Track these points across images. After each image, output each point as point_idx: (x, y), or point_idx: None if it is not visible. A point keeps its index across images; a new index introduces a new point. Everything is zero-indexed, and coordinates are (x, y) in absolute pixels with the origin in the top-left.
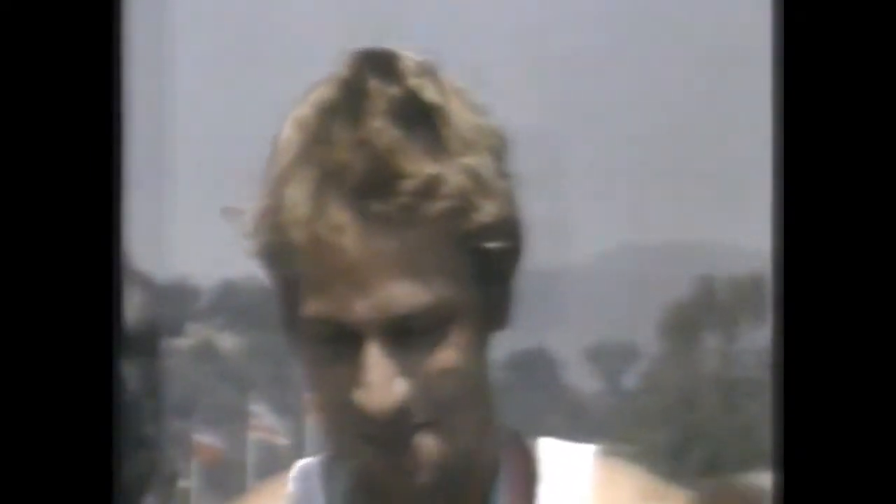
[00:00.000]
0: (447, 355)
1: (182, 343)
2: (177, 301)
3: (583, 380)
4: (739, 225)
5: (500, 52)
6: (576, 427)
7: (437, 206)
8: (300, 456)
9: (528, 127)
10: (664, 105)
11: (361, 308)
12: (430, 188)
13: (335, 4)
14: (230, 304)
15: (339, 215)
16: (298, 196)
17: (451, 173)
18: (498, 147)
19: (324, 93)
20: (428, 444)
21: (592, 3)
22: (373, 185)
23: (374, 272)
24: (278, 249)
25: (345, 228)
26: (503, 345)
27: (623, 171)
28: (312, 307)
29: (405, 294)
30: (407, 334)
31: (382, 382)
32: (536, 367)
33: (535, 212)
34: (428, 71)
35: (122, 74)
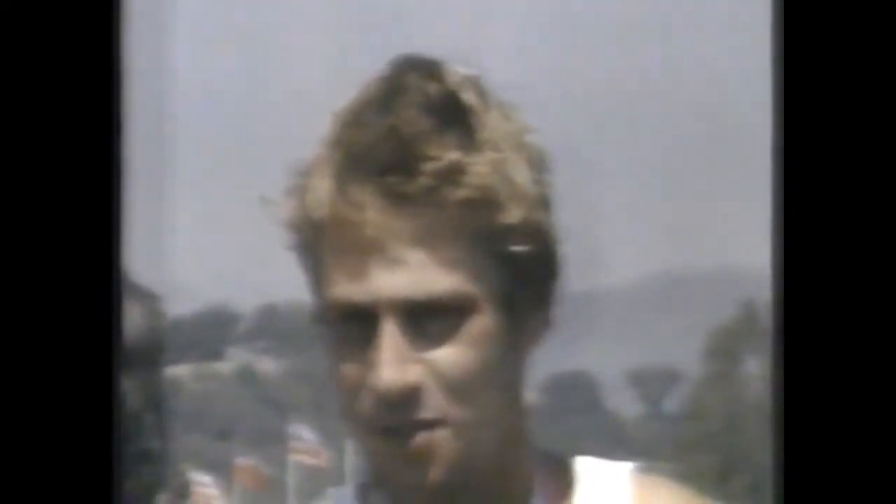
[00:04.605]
0: (462, 350)
1: (223, 367)
2: (218, 325)
3: (625, 404)
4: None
5: (532, 63)
6: (617, 451)
7: (459, 192)
8: (341, 478)
9: (568, 151)
10: (701, 123)
11: (378, 285)
12: (452, 173)
13: (338, 4)
14: (271, 328)
15: (360, 193)
16: (323, 175)
17: (476, 164)
18: (535, 161)
19: (364, 89)
20: (438, 440)
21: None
22: (396, 166)
23: (393, 250)
24: (305, 230)
25: (365, 205)
26: (543, 367)
27: (663, 195)
28: (334, 288)
29: (422, 276)
30: (423, 319)
31: (395, 361)
32: (578, 391)
33: (577, 234)
34: (471, 80)
35: (122, 74)
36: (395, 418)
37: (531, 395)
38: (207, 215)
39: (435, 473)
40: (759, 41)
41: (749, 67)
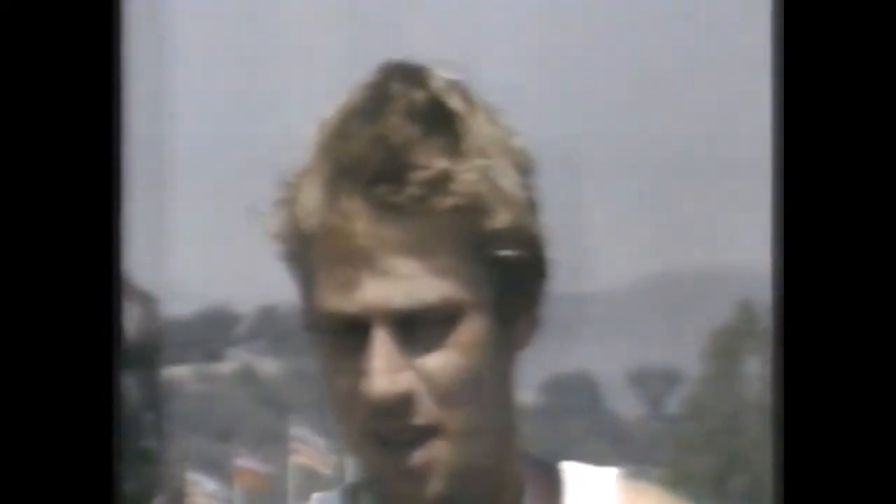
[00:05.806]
0: (453, 356)
1: (223, 368)
2: (217, 326)
3: (624, 404)
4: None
5: (523, 64)
6: (617, 452)
7: (448, 201)
8: (342, 479)
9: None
10: (694, 123)
11: (369, 295)
12: (440, 181)
13: (337, 5)
14: (271, 328)
15: (350, 203)
16: (312, 186)
17: (464, 171)
18: (521, 164)
19: (350, 96)
20: (434, 448)
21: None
22: (385, 176)
23: (383, 259)
24: (294, 241)
25: (354, 215)
26: (543, 368)
27: (662, 194)
28: (324, 298)
29: (412, 285)
30: (413, 327)
31: (386, 370)
32: (577, 391)
33: (575, 236)
34: (456, 86)
35: (122, 75)
36: (387, 426)
37: (531, 395)
38: (207, 215)
39: (428, 480)
40: (758, 39)
41: (748, 65)
